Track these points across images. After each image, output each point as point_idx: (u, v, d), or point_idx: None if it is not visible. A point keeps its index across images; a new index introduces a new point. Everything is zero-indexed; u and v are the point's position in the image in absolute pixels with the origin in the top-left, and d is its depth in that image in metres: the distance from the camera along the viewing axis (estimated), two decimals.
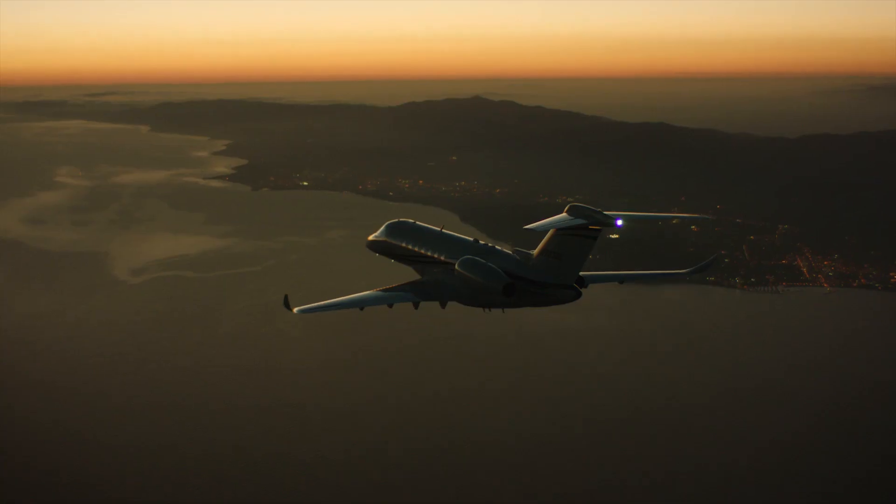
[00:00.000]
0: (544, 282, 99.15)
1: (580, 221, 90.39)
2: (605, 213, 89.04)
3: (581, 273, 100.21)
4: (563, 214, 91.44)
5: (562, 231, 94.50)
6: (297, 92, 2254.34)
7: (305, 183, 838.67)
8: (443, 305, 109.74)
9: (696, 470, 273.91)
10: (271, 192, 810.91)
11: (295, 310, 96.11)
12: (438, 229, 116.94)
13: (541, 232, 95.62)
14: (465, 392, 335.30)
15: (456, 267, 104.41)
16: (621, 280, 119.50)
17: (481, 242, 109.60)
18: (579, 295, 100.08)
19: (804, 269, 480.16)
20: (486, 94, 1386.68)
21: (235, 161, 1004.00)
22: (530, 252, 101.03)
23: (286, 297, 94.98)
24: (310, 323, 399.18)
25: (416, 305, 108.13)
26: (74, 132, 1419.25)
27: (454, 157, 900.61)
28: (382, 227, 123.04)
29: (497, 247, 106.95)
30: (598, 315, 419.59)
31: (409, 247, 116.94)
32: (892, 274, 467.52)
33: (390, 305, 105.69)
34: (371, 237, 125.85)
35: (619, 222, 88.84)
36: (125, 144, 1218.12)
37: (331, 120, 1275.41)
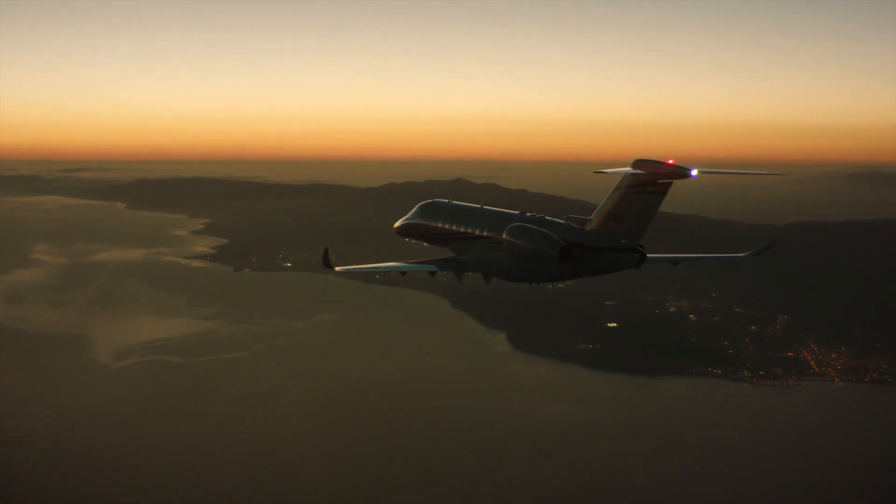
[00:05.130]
0: (604, 246, 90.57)
1: (647, 174, 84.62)
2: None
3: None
4: (629, 168, 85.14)
5: (626, 189, 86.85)
6: (274, 171, 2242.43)
7: (289, 264, 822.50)
8: (486, 279, 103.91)
9: None
10: (254, 273, 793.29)
11: (337, 269, 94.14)
12: (479, 206, 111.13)
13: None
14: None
15: (504, 235, 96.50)
16: (675, 262, 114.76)
17: (528, 213, 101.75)
18: (644, 258, 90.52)
19: (812, 363, 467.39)
20: (468, 177, 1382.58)
21: (215, 240, 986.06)
22: (586, 218, 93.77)
23: (326, 252, 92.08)
24: (308, 415, 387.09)
25: (459, 277, 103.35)
26: (50, 208, 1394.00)
27: None
28: (414, 209, 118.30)
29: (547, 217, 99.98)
30: (599, 406, 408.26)
31: (447, 226, 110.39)
32: None
33: (433, 274, 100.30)
34: (399, 222, 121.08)
35: (694, 172, 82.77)
36: (102, 221, 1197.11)
37: (310, 200, 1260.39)
